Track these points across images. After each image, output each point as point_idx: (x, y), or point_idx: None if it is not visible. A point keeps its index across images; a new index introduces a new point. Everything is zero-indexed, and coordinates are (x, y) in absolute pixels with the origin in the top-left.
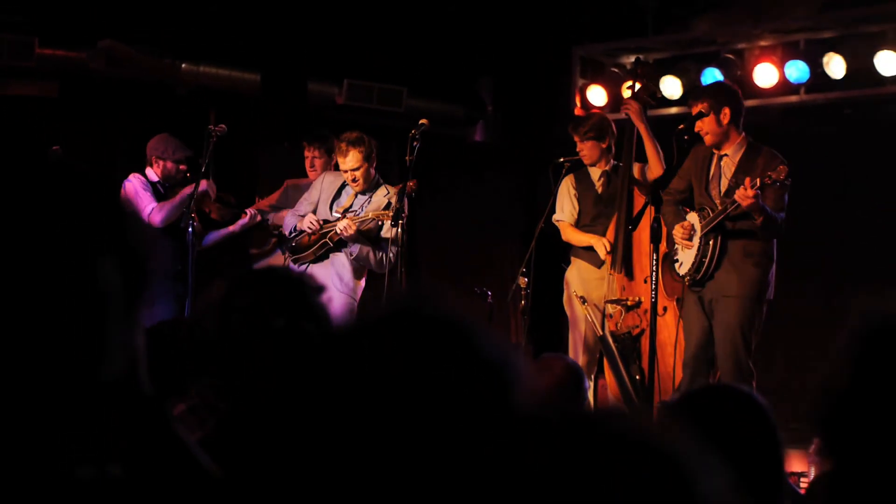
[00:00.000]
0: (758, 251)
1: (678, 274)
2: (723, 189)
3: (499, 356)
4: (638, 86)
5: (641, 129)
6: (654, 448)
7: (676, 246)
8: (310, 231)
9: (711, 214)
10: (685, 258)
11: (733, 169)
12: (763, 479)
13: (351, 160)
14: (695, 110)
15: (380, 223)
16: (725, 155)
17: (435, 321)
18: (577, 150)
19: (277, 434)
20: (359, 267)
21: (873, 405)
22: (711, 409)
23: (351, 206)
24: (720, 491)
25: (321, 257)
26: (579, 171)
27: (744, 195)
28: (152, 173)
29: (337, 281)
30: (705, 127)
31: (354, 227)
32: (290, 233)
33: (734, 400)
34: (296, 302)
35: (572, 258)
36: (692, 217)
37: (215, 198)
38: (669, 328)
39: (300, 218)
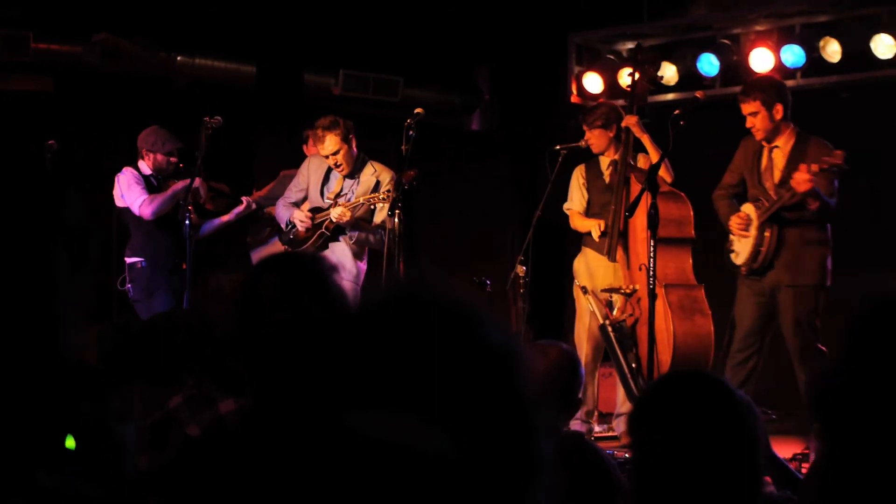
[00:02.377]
0: (816, 238)
1: (734, 264)
2: (776, 179)
3: (503, 342)
4: (637, 75)
5: (644, 139)
6: None
7: (732, 237)
8: (302, 227)
9: (767, 204)
10: (741, 248)
11: (785, 160)
12: (737, 468)
13: (329, 145)
14: (746, 109)
15: (371, 206)
16: (776, 147)
17: (438, 306)
18: (586, 138)
19: (288, 425)
20: (359, 250)
21: (866, 384)
22: (680, 397)
23: (342, 190)
24: None
25: (320, 248)
26: (590, 161)
27: (801, 179)
28: (144, 166)
29: (339, 268)
30: (758, 124)
31: (350, 214)
32: (287, 225)
33: (702, 388)
34: (314, 286)
35: (583, 247)
36: (747, 208)
37: (207, 190)
38: (658, 315)
39: (291, 206)
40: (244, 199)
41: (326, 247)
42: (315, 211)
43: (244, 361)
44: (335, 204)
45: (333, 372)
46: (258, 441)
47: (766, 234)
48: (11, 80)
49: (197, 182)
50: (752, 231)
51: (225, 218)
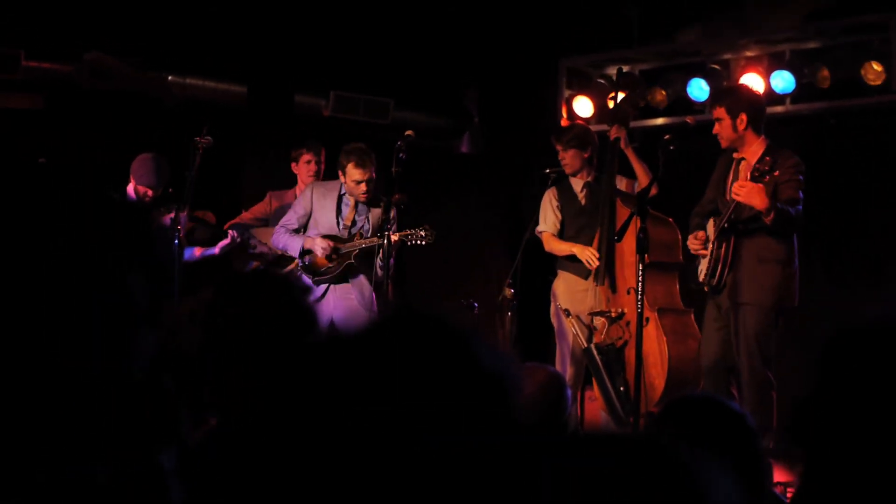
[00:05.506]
0: (772, 256)
1: (698, 281)
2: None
3: (497, 365)
4: (621, 95)
5: (628, 153)
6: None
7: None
8: (322, 254)
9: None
10: (703, 265)
11: (749, 173)
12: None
13: (369, 170)
14: (714, 115)
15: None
16: (743, 159)
17: (434, 329)
18: (559, 158)
19: (278, 439)
20: (372, 278)
21: (837, 409)
22: (689, 419)
23: (354, 222)
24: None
25: (341, 276)
26: (562, 183)
27: (737, 188)
28: (131, 190)
29: (359, 296)
30: (721, 132)
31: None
32: (300, 253)
33: (711, 410)
34: (286, 305)
35: (559, 270)
36: (710, 224)
37: (190, 218)
38: (651, 339)
39: (294, 233)
40: (230, 232)
41: (347, 276)
42: (334, 240)
43: (211, 382)
44: (360, 236)
45: (333, 386)
46: (242, 454)
47: (722, 249)
48: (2, 97)
49: (167, 220)
50: (710, 246)
51: (199, 252)
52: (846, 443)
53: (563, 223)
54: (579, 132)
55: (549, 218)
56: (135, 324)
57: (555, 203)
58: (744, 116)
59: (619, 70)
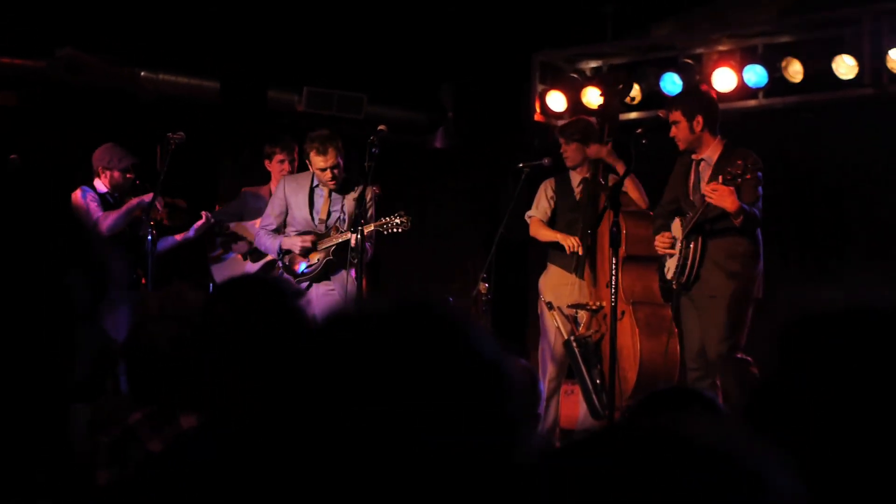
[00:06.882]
0: (740, 251)
1: (666, 279)
2: (703, 192)
3: (498, 358)
4: (607, 95)
5: (619, 167)
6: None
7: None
8: (300, 251)
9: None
10: (671, 263)
11: (710, 173)
12: None
13: (331, 157)
14: (671, 119)
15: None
16: (703, 160)
17: (436, 319)
18: (561, 151)
19: (276, 438)
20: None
21: (797, 397)
22: (669, 411)
23: (330, 213)
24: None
25: (325, 275)
26: (561, 175)
27: (709, 191)
28: (101, 184)
29: (341, 291)
30: (679, 134)
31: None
32: (279, 254)
33: (692, 402)
34: (277, 308)
35: (548, 264)
36: (675, 223)
37: (164, 205)
38: (625, 332)
39: (273, 234)
40: (203, 213)
41: (328, 273)
42: (310, 235)
43: (203, 380)
44: (336, 230)
45: (336, 376)
46: (241, 449)
47: (691, 246)
48: None
49: (150, 197)
50: (678, 246)
51: (180, 236)
52: (804, 429)
53: (555, 214)
54: (583, 126)
55: (540, 205)
56: (74, 324)
57: (549, 193)
58: (700, 118)
59: (610, 66)
